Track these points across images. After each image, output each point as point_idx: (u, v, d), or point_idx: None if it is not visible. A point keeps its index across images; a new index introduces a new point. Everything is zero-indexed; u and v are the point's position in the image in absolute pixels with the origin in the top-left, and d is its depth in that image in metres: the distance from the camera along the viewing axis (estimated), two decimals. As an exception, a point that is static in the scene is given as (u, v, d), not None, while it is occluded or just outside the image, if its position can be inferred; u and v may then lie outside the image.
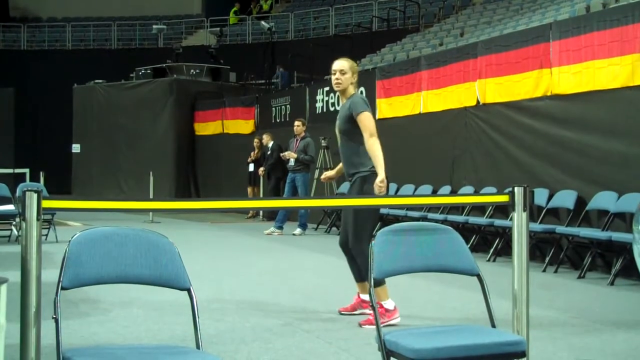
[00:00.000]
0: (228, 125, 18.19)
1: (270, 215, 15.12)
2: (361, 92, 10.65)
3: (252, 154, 15.56)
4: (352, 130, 5.43)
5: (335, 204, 4.72)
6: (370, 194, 5.25)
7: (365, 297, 5.54)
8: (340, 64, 5.50)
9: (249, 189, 15.51)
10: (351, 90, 5.54)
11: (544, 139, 8.88)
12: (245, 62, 21.59)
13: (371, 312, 5.35)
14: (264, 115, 16.88)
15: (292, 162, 12.38)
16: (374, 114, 7.35)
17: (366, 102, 5.52)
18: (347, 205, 4.98)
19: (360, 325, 5.21)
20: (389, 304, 5.31)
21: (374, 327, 4.91)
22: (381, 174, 5.24)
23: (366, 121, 5.36)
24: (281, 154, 13.04)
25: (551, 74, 8.74)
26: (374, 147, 5.32)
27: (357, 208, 5.17)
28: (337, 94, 5.73)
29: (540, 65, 8.87)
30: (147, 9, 28.24)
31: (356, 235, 5.32)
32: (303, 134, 12.37)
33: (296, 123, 12.59)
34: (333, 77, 5.54)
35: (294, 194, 12.21)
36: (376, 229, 5.80)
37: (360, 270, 5.51)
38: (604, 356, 4.45)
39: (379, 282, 5.18)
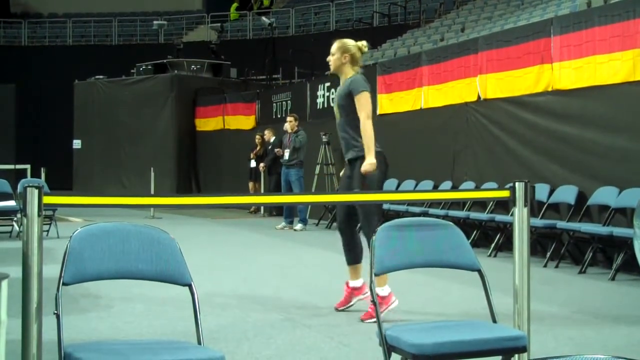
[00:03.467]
0: (229, 121, 18.18)
1: (272, 210, 15.15)
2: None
3: (254, 150, 15.51)
4: (351, 108, 5.46)
5: (336, 199, 4.72)
6: (373, 174, 5.31)
7: (355, 283, 5.54)
8: (331, 47, 5.59)
9: (250, 184, 15.51)
10: (348, 70, 5.57)
11: (545, 135, 8.88)
12: (246, 57, 21.57)
13: (366, 297, 5.38)
14: (265, 111, 16.88)
15: (286, 157, 12.40)
16: (374, 110, 7.34)
17: (367, 82, 5.57)
18: (351, 201, 4.98)
19: (362, 320, 5.20)
20: (384, 290, 5.30)
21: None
22: (371, 157, 5.31)
23: (363, 101, 5.41)
24: (276, 150, 13.09)
25: (552, 69, 8.73)
26: (367, 128, 5.36)
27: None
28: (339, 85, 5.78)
29: (541, 60, 8.86)
30: (148, 5, 28.23)
31: (367, 220, 5.35)
32: (296, 128, 12.42)
33: (288, 118, 12.66)
34: None
35: (289, 190, 12.23)
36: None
37: (357, 253, 5.51)
38: (605, 351, 4.45)
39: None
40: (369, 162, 5.29)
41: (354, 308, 5.55)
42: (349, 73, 5.57)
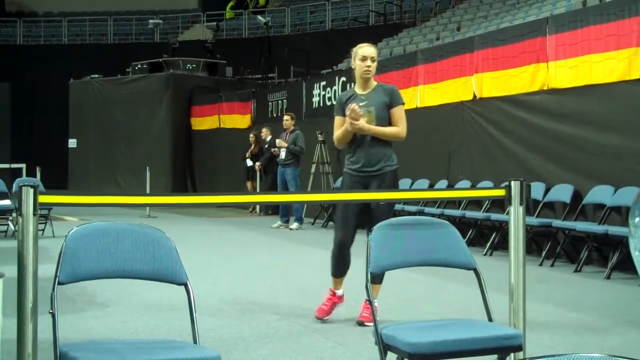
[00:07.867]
0: (225, 120, 18.17)
1: (268, 209, 15.15)
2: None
3: (249, 150, 15.49)
4: (388, 118, 5.23)
5: (332, 198, 4.71)
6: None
7: (340, 292, 5.42)
8: (373, 51, 5.24)
9: (249, 184, 15.49)
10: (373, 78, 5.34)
11: (541, 133, 8.89)
12: (242, 56, 21.56)
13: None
14: (261, 110, 16.87)
15: (282, 156, 12.41)
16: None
17: None
18: (345, 200, 4.97)
19: (362, 323, 5.07)
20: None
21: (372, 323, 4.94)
22: (369, 128, 5.12)
23: (403, 112, 5.31)
24: (272, 149, 13.09)
25: (547, 68, 8.74)
26: (401, 134, 5.30)
27: (391, 203, 5.19)
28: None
29: (537, 59, 8.87)
30: (144, 4, 28.19)
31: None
32: (292, 127, 12.43)
33: (285, 117, 12.68)
34: (363, 64, 5.19)
35: (285, 189, 12.24)
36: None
37: (347, 266, 5.39)
38: (600, 350, 4.46)
39: (375, 280, 5.04)
40: (361, 125, 5.08)
41: (349, 309, 5.52)
42: (373, 81, 5.31)
